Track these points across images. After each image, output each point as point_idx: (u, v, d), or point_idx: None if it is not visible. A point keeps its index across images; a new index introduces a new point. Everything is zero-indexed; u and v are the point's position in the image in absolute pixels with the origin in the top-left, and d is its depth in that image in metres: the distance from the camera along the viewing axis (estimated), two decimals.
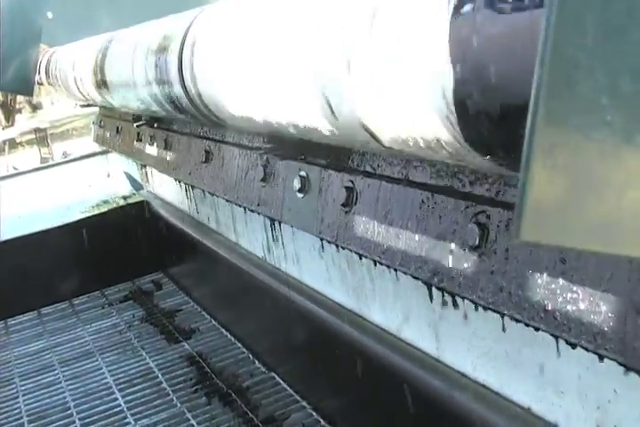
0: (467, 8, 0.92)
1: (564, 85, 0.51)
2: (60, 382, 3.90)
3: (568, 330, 1.21)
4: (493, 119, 0.94)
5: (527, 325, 1.41)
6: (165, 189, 4.55)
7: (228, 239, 3.53)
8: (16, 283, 4.72)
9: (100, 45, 2.97)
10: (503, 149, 0.98)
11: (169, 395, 3.53)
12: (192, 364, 3.80)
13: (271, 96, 1.58)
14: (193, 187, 3.71)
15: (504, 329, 1.69)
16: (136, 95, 2.58)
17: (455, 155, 1.11)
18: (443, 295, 1.86)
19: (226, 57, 1.75)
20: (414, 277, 1.66)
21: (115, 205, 5.12)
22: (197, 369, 3.72)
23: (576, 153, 0.52)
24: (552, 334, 1.43)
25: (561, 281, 1.21)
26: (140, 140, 3.66)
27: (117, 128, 4.18)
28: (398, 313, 2.14)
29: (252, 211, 2.47)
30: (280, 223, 2.80)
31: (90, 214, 5.07)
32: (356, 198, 1.76)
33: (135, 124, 3.54)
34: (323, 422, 2.96)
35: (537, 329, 1.43)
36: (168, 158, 3.18)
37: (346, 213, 1.79)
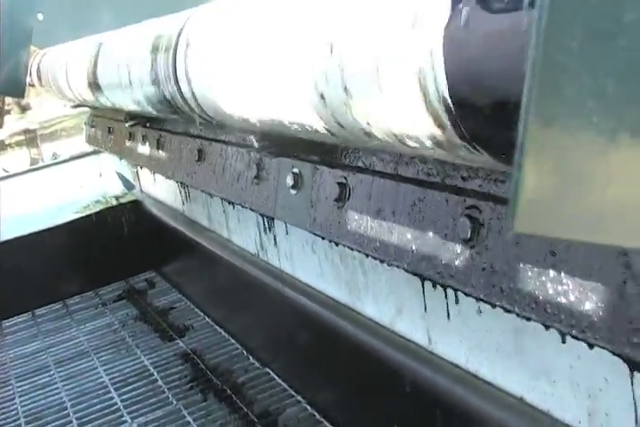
0: (461, 5, 0.94)
1: (553, 88, 0.54)
2: (56, 383, 3.92)
3: (559, 320, 1.24)
4: (485, 116, 0.97)
5: (519, 315, 1.45)
6: (157, 189, 4.57)
7: (220, 237, 3.56)
8: (10, 284, 4.73)
9: (92, 46, 2.99)
10: (495, 145, 1.01)
11: (164, 393, 3.56)
12: (187, 361, 3.82)
13: (265, 94, 1.60)
14: (186, 186, 3.73)
15: (496, 321, 1.72)
16: (129, 96, 2.60)
17: (448, 151, 1.14)
18: (434, 288, 1.90)
19: (219, 56, 1.77)
20: (407, 271, 1.69)
21: (107, 205, 5.13)
22: (192, 366, 3.75)
23: (565, 152, 0.55)
24: (544, 325, 1.46)
25: (551, 273, 1.24)
26: (132, 139, 3.67)
27: (109, 128, 4.20)
28: (391, 306, 2.17)
29: (246, 208, 2.49)
30: (273, 220, 2.82)
31: (82, 215, 5.08)
32: (349, 194, 1.79)
33: (127, 124, 3.55)
34: (317, 415, 2.99)
35: (528, 319, 1.46)
36: (161, 158, 3.20)
37: (339, 208, 1.82)
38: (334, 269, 2.45)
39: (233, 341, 3.85)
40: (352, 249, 1.94)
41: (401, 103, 1.11)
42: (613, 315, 1.13)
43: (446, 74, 0.98)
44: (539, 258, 1.26)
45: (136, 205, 5.04)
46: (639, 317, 1.08)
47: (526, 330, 1.63)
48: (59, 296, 4.96)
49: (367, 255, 1.98)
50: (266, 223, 2.92)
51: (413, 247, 1.57)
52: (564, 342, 1.53)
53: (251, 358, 3.63)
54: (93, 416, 3.49)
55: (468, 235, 1.40)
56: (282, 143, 2.08)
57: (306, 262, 2.68)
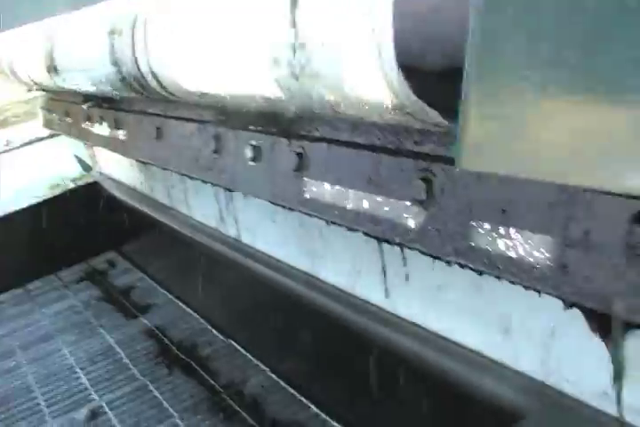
0: None
1: (491, 49, 0.62)
2: (22, 367, 3.96)
3: (509, 271, 1.32)
4: (432, 77, 1.04)
5: (472, 269, 1.53)
6: (116, 169, 4.58)
7: (180, 213, 3.60)
8: None
9: (48, 29, 2.99)
10: (446, 103, 1.08)
11: (130, 369, 3.62)
12: (151, 337, 3.89)
13: (224, 68, 1.64)
14: (145, 164, 3.75)
15: (452, 277, 1.80)
16: (88, 77, 2.61)
17: (403, 112, 1.20)
18: (388, 248, 1.97)
19: (177, 33, 1.81)
20: (366, 235, 1.76)
21: (65, 189, 5.12)
22: (157, 342, 3.82)
23: (501, 102, 0.64)
24: (496, 277, 1.55)
25: (501, 229, 1.31)
26: (89, 121, 3.68)
27: (66, 111, 4.19)
28: (351, 270, 2.24)
29: (206, 182, 2.53)
30: (232, 193, 2.87)
31: (40, 199, 5.07)
32: (307, 163, 1.85)
33: (84, 106, 3.55)
34: (282, 383, 3.06)
35: (481, 273, 1.54)
36: (119, 137, 3.22)
37: (297, 178, 1.88)
38: (294, 237, 2.51)
39: (196, 315, 3.92)
40: (311, 216, 2.00)
41: (356, 68, 1.17)
42: (558, 263, 1.21)
43: (395, 40, 1.05)
44: (489, 216, 1.34)
45: (94, 186, 5.05)
46: (580, 263, 1.17)
47: (480, 285, 1.72)
48: (20, 281, 4.98)
49: (327, 222, 2.04)
50: (226, 197, 2.97)
51: (371, 211, 1.63)
52: (516, 293, 1.61)
53: (214, 331, 3.71)
54: (61, 397, 3.55)
55: (423, 196, 1.47)
56: (239, 117, 2.13)
57: (266, 233, 2.74)
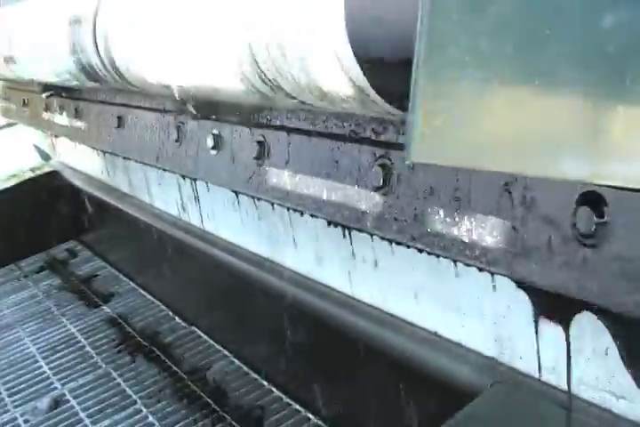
0: None
1: (438, 47, 0.68)
2: None
3: (464, 254, 1.38)
4: (391, 72, 1.09)
5: (429, 253, 1.59)
6: (76, 158, 4.58)
7: (142, 202, 3.62)
8: None
9: (5, 19, 2.99)
10: (401, 96, 1.14)
11: (93, 357, 3.64)
12: (113, 326, 3.91)
13: (186, 60, 1.68)
14: (105, 153, 3.77)
15: (410, 262, 1.86)
16: (48, 67, 2.62)
17: (360, 104, 1.25)
18: (348, 234, 2.02)
19: (139, 24, 1.84)
20: (326, 221, 1.81)
21: (23, 178, 5.10)
22: (119, 330, 3.84)
23: (448, 97, 0.70)
24: (453, 260, 1.61)
25: (455, 214, 1.38)
26: (48, 110, 3.68)
27: (24, 100, 4.18)
28: (312, 256, 2.29)
29: (167, 171, 2.57)
30: (195, 181, 2.91)
31: None
32: (268, 152, 1.89)
33: (44, 95, 3.56)
34: (245, 367, 3.11)
35: (438, 256, 1.61)
36: (80, 127, 3.24)
37: (259, 166, 1.93)
38: (255, 225, 2.55)
39: (158, 303, 3.95)
40: (273, 204, 2.04)
41: (314, 59, 1.23)
42: (509, 245, 1.27)
43: (350, 40, 1.11)
44: (444, 201, 1.40)
45: (54, 175, 5.04)
46: (530, 244, 1.23)
47: (437, 268, 1.78)
48: None
49: (288, 209, 2.09)
50: (187, 185, 3.00)
51: (331, 198, 1.69)
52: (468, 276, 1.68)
53: (177, 318, 3.74)
54: (23, 386, 3.54)
55: (381, 183, 1.53)
56: (201, 106, 2.16)
57: (228, 221, 2.77)
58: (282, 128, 1.86)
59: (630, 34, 0.63)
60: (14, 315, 4.37)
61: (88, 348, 3.74)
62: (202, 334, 3.49)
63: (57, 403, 3.31)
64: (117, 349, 3.65)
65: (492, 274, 1.58)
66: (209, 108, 2.12)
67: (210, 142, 2.12)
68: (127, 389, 3.26)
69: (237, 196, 2.55)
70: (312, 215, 1.94)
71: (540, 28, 0.64)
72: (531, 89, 0.66)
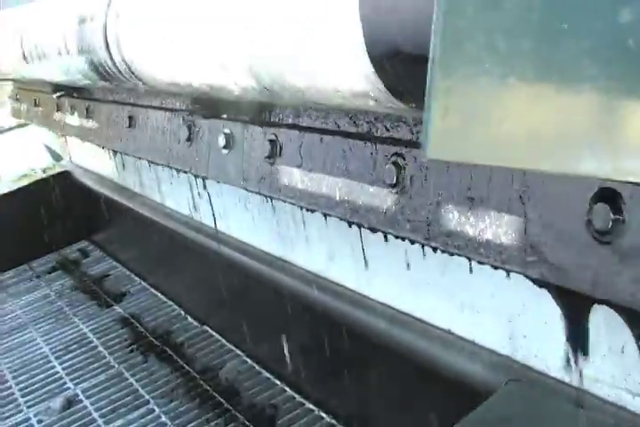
0: None
1: (454, 44, 0.68)
2: None
3: (478, 252, 1.37)
4: (405, 69, 1.09)
5: (443, 252, 1.58)
6: (87, 158, 4.59)
7: (153, 201, 3.62)
8: None
9: (17, 19, 2.99)
10: (414, 94, 1.13)
11: (105, 357, 3.64)
12: (126, 326, 3.91)
13: (198, 58, 1.68)
14: (116, 153, 3.77)
15: (424, 259, 1.86)
16: (59, 66, 2.63)
17: (373, 101, 1.25)
18: (360, 231, 2.02)
19: (151, 22, 1.84)
20: (339, 219, 1.81)
21: (35, 179, 5.12)
22: (131, 330, 3.84)
23: (466, 93, 0.69)
24: (467, 258, 1.60)
25: (469, 212, 1.37)
26: (60, 110, 3.69)
27: (35, 101, 4.20)
28: (324, 255, 2.29)
29: (179, 170, 2.57)
30: (205, 180, 2.91)
31: (10, 189, 5.06)
32: (280, 150, 1.89)
33: (55, 95, 3.57)
34: (257, 367, 3.11)
35: (452, 254, 1.60)
36: (91, 127, 3.25)
37: (270, 164, 1.92)
38: (267, 224, 2.55)
39: (170, 303, 3.95)
40: (285, 202, 2.04)
41: (327, 57, 1.22)
42: (524, 243, 1.27)
43: (364, 30, 1.10)
44: (458, 199, 1.39)
45: (65, 176, 5.06)
46: (546, 242, 1.23)
47: (451, 266, 1.77)
48: None
49: (300, 208, 2.09)
50: (198, 184, 3.00)
51: (343, 196, 1.68)
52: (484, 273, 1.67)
53: (189, 317, 3.74)
54: (36, 386, 3.54)
55: (394, 181, 1.53)
56: (212, 105, 2.16)
57: (239, 220, 2.77)
58: (294, 127, 1.86)
59: None
60: (27, 315, 4.38)
61: (100, 348, 3.75)
62: (214, 334, 3.49)
63: (70, 403, 3.32)
64: (130, 348, 3.65)
65: (508, 272, 1.57)
66: (220, 106, 2.12)
67: (221, 141, 2.12)
68: (140, 388, 3.27)
69: (249, 195, 2.55)
70: (324, 214, 1.93)
71: (557, 23, 0.63)
72: (548, 85, 0.66)
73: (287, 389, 2.91)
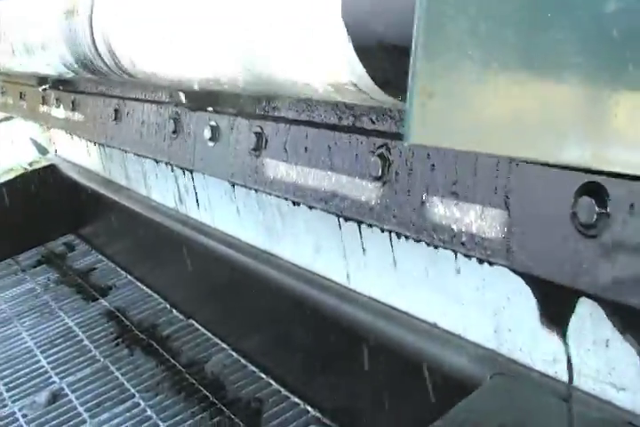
0: None
1: (436, 30, 0.67)
2: None
3: (463, 245, 1.37)
4: (391, 60, 1.08)
5: (428, 244, 1.58)
6: (73, 152, 4.57)
7: (138, 194, 3.61)
8: None
9: (2, 12, 2.97)
10: (400, 86, 1.12)
11: (91, 351, 3.63)
12: (111, 319, 3.90)
13: (185, 51, 1.67)
14: (102, 146, 3.76)
15: (408, 252, 1.86)
16: (45, 59, 2.61)
17: (360, 94, 1.24)
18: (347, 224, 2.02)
19: (138, 15, 1.83)
20: (325, 211, 1.80)
21: (21, 172, 5.09)
22: (117, 324, 3.83)
23: (447, 77, 0.69)
24: (453, 251, 1.60)
25: (454, 203, 1.37)
26: (45, 103, 3.68)
27: (21, 94, 4.18)
28: (310, 247, 2.28)
29: (165, 163, 2.56)
30: (192, 173, 2.90)
31: None
32: (266, 142, 1.88)
33: (41, 88, 3.56)
34: (243, 360, 3.10)
35: (436, 247, 1.60)
36: (77, 120, 3.23)
37: (256, 157, 1.91)
38: (253, 216, 2.54)
39: (156, 296, 3.93)
40: (270, 195, 2.03)
41: (311, 48, 1.22)
42: (508, 236, 1.27)
43: (349, 28, 1.10)
44: (443, 192, 1.39)
45: (51, 169, 5.03)
46: (530, 234, 1.22)
47: (437, 259, 1.77)
48: None
49: (286, 199, 2.08)
50: (184, 177, 3.00)
51: (329, 188, 1.68)
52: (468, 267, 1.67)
53: (174, 311, 3.73)
54: (21, 380, 3.53)
55: (380, 173, 1.52)
56: (198, 97, 2.15)
57: (225, 213, 2.76)
58: (280, 119, 1.85)
59: (633, 18, 0.62)
60: (12, 309, 4.36)
61: (86, 341, 3.73)
62: (200, 327, 3.48)
63: (55, 397, 3.30)
64: (115, 342, 3.64)
65: (492, 264, 1.57)
66: (206, 98, 2.11)
67: (207, 134, 2.11)
68: (125, 382, 3.26)
69: (235, 187, 2.54)
70: (310, 207, 1.93)
71: (541, 10, 0.63)
72: (531, 72, 0.65)
73: (273, 382, 2.90)
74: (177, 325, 3.59)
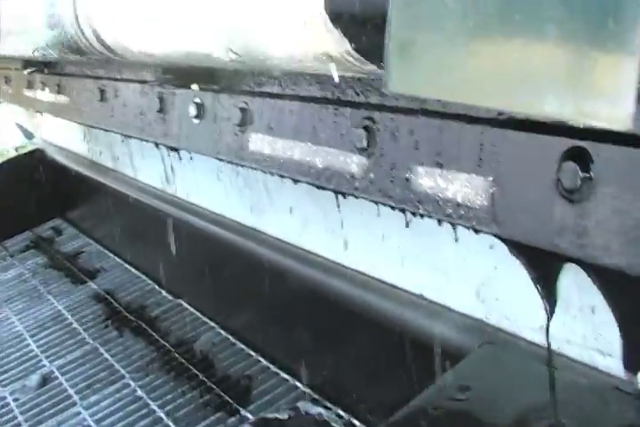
0: None
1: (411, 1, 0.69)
2: None
3: (449, 214, 1.37)
4: (371, 27, 1.08)
5: (414, 214, 1.59)
6: (59, 136, 4.56)
7: (125, 176, 3.61)
8: None
9: None
10: (379, 53, 1.13)
11: (80, 334, 3.64)
12: (100, 301, 3.91)
13: (170, 28, 1.67)
14: (88, 128, 3.75)
15: (395, 224, 1.86)
16: (29, 41, 2.60)
17: (339, 64, 1.25)
18: (337, 199, 2.03)
19: None
20: (312, 185, 1.81)
21: (7, 157, 5.08)
22: (106, 306, 3.84)
23: (426, 26, 0.70)
24: (438, 221, 1.61)
25: (438, 172, 1.37)
26: (31, 87, 3.66)
27: (6, 78, 4.16)
28: (297, 223, 2.29)
29: (151, 142, 2.56)
30: (178, 152, 2.90)
31: None
32: (251, 118, 1.88)
33: (26, 72, 3.54)
34: (232, 338, 3.11)
35: (422, 216, 1.61)
36: (63, 102, 3.22)
37: (242, 132, 1.92)
38: (239, 194, 2.55)
39: (145, 277, 3.94)
40: (256, 170, 2.03)
41: (291, 20, 1.22)
42: (493, 203, 1.27)
43: None
44: (428, 161, 1.39)
45: (37, 153, 5.03)
46: (515, 201, 1.23)
47: (423, 231, 1.78)
48: None
49: (272, 174, 2.08)
50: (171, 157, 2.99)
51: (315, 161, 1.68)
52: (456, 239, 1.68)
53: (163, 291, 3.74)
54: (11, 364, 3.55)
55: (365, 145, 1.52)
56: (182, 75, 2.15)
57: (212, 191, 2.77)
58: (264, 94, 1.85)
59: None
60: (1, 294, 4.36)
61: (75, 324, 3.74)
62: (188, 307, 3.49)
63: (45, 380, 3.31)
64: (104, 324, 3.65)
65: (477, 232, 1.58)
66: (190, 75, 2.11)
67: (192, 111, 2.11)
68: (115, 364, 3.27)
69: (221, 165, 2.54)
70: (295, 180, 1.93)
71: None
72: (510, 25, 0.66)
73: (262, 359, 2.91)
74: (166, 305, 3.60)
